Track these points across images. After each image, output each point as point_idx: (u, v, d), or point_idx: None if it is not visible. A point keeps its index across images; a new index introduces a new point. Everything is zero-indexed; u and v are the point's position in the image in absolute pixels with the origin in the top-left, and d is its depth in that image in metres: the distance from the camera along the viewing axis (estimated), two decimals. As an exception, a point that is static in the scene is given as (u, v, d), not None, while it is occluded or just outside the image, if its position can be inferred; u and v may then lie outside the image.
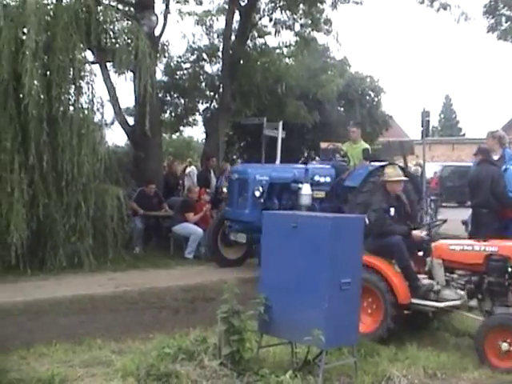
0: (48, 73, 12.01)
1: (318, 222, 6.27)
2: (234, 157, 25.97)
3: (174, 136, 29.48)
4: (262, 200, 12.09)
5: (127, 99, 24.89)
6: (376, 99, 33.79)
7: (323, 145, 15.81)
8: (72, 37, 12.06)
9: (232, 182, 12.94)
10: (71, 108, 12.58)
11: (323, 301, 5.84)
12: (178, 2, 21.40)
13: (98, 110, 12.88)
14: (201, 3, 21.99)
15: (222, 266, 12.96)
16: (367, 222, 7.64)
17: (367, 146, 13.61)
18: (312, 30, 21.90)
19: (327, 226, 6.00)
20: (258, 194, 12.09)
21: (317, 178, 12.70)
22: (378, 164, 12.54)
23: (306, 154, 35.93)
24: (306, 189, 12.00)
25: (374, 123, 33.14)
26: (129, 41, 13.73)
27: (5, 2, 12.15)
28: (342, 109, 32.42)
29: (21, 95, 11.56)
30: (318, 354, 6.13)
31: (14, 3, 12.17)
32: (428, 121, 19.65)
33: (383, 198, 8.43)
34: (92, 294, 10.05)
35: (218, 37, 22.71)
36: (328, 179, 12.86)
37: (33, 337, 7.43)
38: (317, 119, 25.80)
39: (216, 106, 21.45)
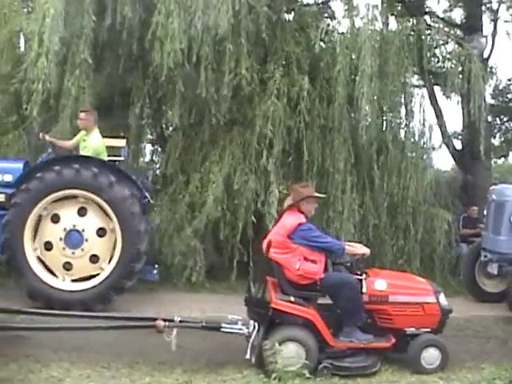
0: (380, 97, 12.29)
1: None
2: None
3: (498, 161, 28.42)
4: None
5: (453, 123, 24.52)
6: None
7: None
8: (403, 61, 12.22)
9: None
10: (402, 132, 12.77)
11: None
12: (505, 22, 20.83)
13: (426, 134, 12.88)
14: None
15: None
16: None
17: (99, 138, 9.84)
18: None
19: None
20: None
21: None
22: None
23: None
24: None
25: None
26: (458, 64, 13.53)
27: (340, 30, 12.89)
28: None
29: (353, 119, 11.99)
30: None
31: (348, 30, 12.70)
32: None
33: None
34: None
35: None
36: (8, 178, 9.58)
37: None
38: None
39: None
